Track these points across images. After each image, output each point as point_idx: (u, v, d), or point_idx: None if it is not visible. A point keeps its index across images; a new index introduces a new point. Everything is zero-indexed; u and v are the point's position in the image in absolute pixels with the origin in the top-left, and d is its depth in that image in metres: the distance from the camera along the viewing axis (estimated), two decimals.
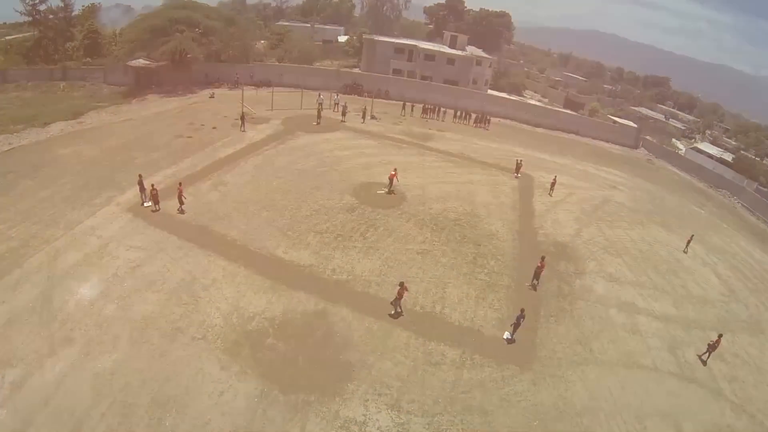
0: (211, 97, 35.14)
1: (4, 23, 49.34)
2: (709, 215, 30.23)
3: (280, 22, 71.68)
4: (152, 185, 18.16)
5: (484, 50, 56.29)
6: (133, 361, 11.62)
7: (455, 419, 11.44)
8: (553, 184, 26.53)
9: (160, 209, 18.19)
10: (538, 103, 53.81)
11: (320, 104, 32.98)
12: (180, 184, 18.75)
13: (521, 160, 28.68)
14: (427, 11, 72.18)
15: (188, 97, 34.56)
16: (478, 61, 49.39)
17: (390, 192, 22.69)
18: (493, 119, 41.25)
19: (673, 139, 55.64)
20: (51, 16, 37.78)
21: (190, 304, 13.70)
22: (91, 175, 20.49)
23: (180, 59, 35.58)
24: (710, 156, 43.76)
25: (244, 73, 39.03)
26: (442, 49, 48.53)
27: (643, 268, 20.30)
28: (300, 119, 31.94)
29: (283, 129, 29.74)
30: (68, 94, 32.20)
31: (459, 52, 48.53)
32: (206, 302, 13.85)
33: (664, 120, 68.18)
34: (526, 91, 63.64)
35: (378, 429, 10.89)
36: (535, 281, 17.15)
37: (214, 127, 28.25)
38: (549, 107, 51.90)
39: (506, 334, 14.42)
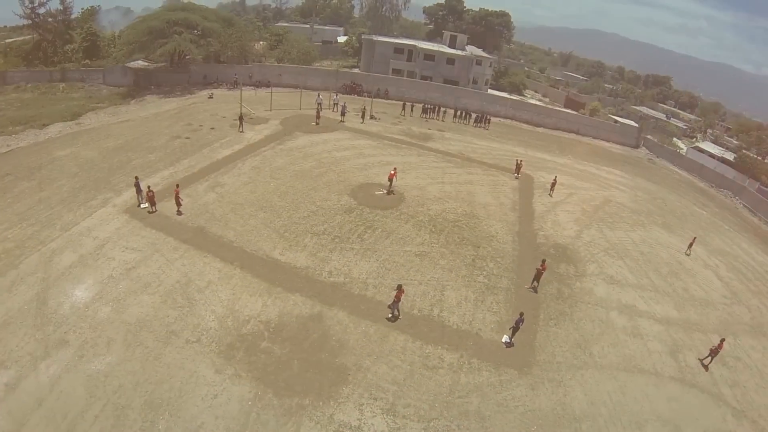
0: (210, 97, 35.07)
1: (5, 26, 49.47)
2: (711, 216, 29.98)
3: (279, 23, 71.72)
4: (148, 187, 18.07)
5: (483, 50, 56.17)
6: (127, 364, 11.55)
7: (451, 424, 11.29)
8: (553, 185, 26.34)
9: (156, 211, 18.10)
10: (538, 103, 53.58)
11: (319, 104, 32.88)
12: (177, 185, 18.66)
13: (521, 160, 28.51)
14: (427, 11, 72.05)
15: (187, 98, 34.50)
16: (478, 61, 49.25)
17: (389, 192, 22.56)
18: (493, 119, 41.09)
19: (674, 138, 55.35)
20: (50, 19, 37.78)
21: (185, 306, 13.59)
22: (88, 177, 20.43)
23: (178, 60, 35.58)
24: (712, 155, 43.45)
25: (242, 74, 38.97)
26: (441, 49, 48.39)
27: (644, 270, 20.10)
28: (299, 120, 31.84)
29: (281, 129, 29.64)
30: (67, 96, 32.17)
31: (459, 52, 48.38)
32: (201, 305, 13.74)
33: (665, 119, 67.92)
34: (527, 91, 63.41)
35: None
36: (535, 283, 16.97)
37: (212, 128, 28.17)
38: (549, 107, 51.66)
39: (505, 338, 14.25)
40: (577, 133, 44.22)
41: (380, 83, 43.18)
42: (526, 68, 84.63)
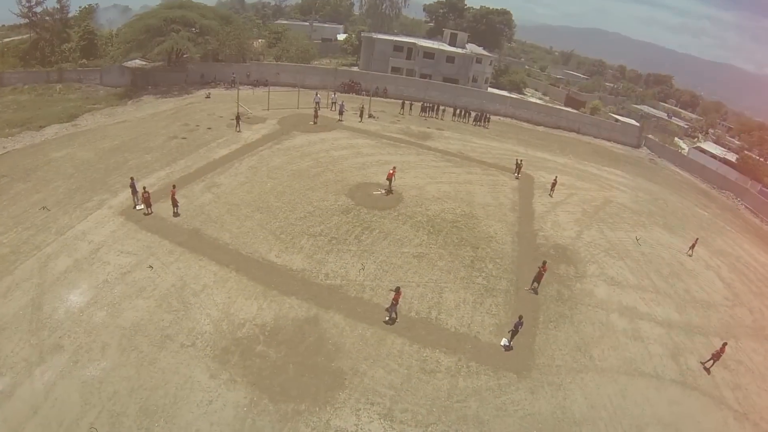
0: (207, 97, 34.86)
1: (2, 26, 49.19)
2: (713, 217, 29.78)
3: (279, 21, 71.48)
4: (144, 188, 17.91)
5: (484, 48, 55.87)
6: (122, 369, 11.42)
7: (450, 429, 11.15)
8: (553, 185, 26.14)
9: (152, 212, 17.95)
10: (539, 102, 53.30)
11: (317, 103, 32.66)
12: (174, 186, 18.51)
13: (521, 160, 28.30)
14: (427, 9, 71.77)
15: (184, 98, 34.31)
16: (478, 59, 48.97)
17: (388, 192, 22.38)
18: (493, 118, 40.85)
19: (676, 138, 55.05)
20: (47, 18, 37.55)
21: (180, 310, 13.45)
22: (84, 179, 20.28)
23: (176, 59, 35.35)
24: (713, 156, 43.15)
25: (240, 73, 38.74)
26: (441, 47, 48.10)
27: (645, 271, 19.92)
28: (296, 119, 31.63)
29: (279, 129, 29.45)
30: (64, 97, 31.97)
31: (459, 50, 48.08)
32: (196, 308, 13.60)
33: (666, 118, 67.57)
34: (527, 89, 63.11)
35: None
36: (535, 284, 16.81)
37: (209, 128, 27.98)
38: (550, 105, 51.38)
39: (504, 341, 14.09)
40: (578, 131, 43.98)
41: (379, 81, 42.93)
42: (526, 66, 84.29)
